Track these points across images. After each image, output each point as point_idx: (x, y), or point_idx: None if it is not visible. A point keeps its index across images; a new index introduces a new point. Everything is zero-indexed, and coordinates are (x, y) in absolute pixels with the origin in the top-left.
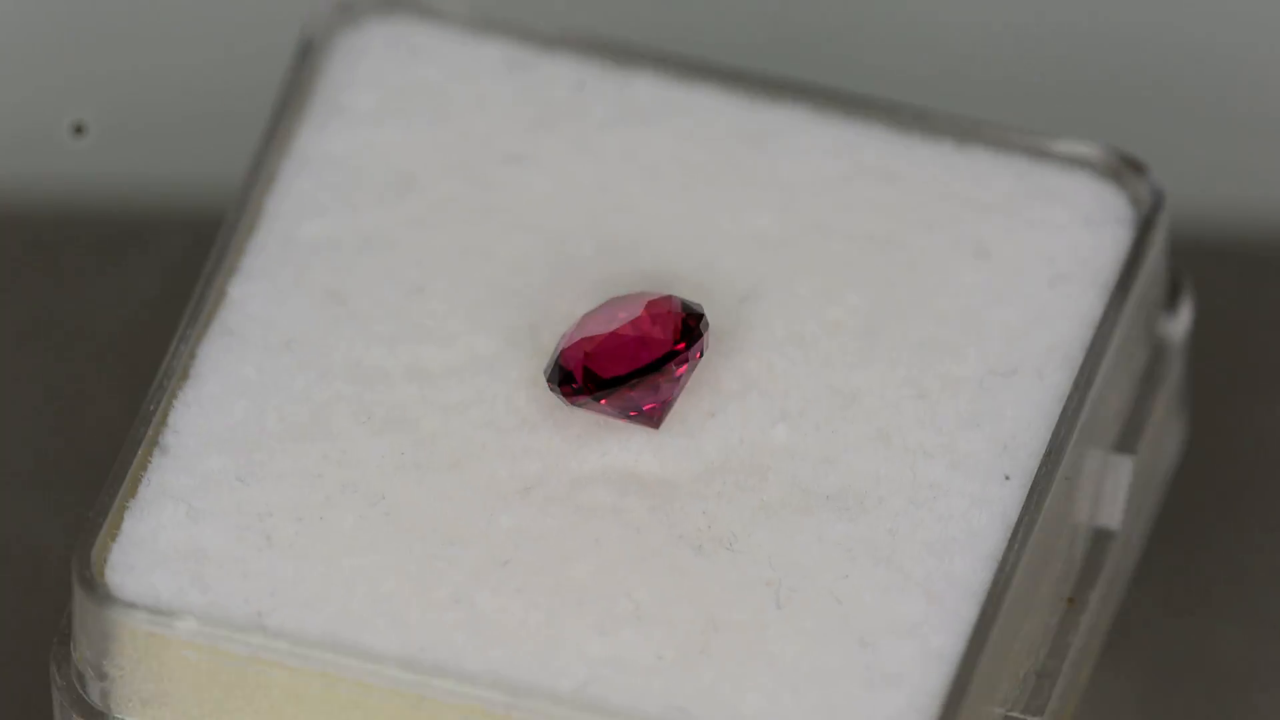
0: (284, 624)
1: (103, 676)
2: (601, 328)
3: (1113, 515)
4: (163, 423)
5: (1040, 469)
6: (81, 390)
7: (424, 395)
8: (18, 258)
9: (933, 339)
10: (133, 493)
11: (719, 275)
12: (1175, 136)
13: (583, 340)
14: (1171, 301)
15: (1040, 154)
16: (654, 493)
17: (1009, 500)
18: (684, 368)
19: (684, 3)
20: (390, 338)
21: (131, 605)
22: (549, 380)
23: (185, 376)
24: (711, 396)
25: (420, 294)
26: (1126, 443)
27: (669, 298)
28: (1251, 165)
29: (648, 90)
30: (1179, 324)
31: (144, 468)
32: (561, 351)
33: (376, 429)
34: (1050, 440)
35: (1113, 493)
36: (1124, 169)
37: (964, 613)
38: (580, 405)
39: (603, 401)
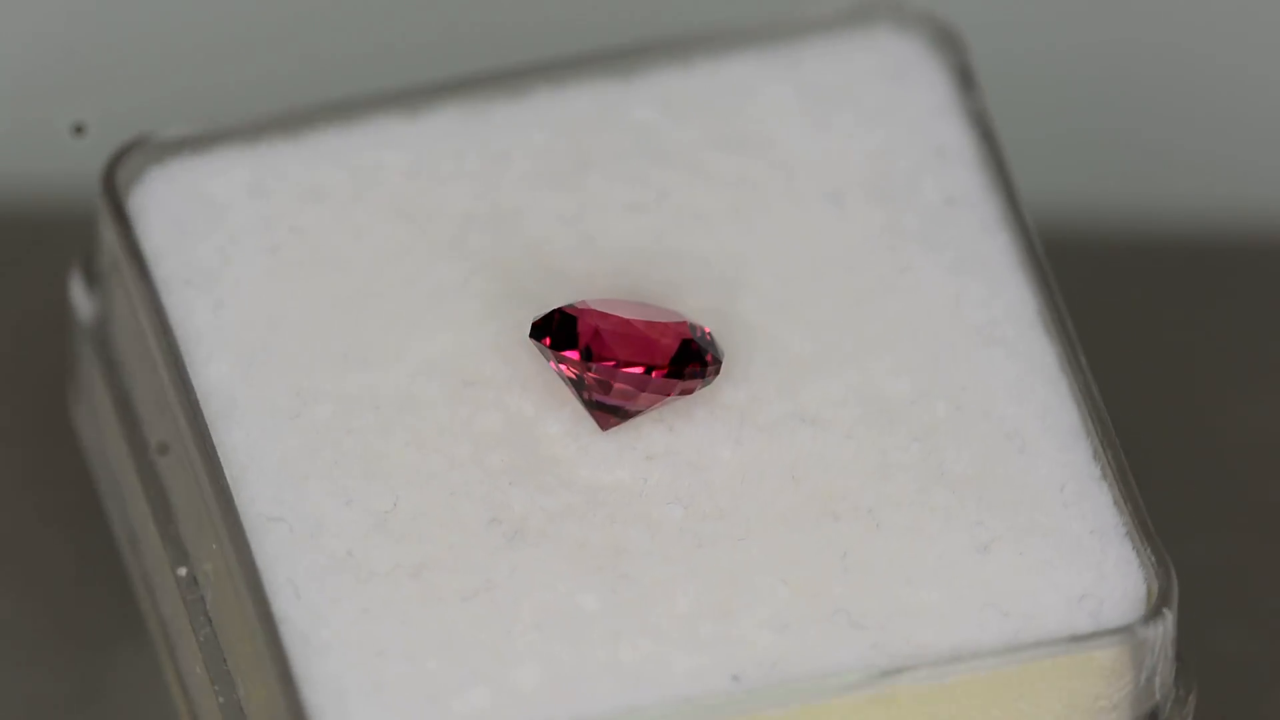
0: (174, 309)
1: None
2: (607, 311)
3: None
4: (338, 119)
5: (774, 690)
6: None
7: (505, 269)
8: (18, 257)
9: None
10: (249, 140)
11: (821, 386)
12: (1174, 138)
13: (582, 308)
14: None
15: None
16: (530, 467)
17: (729, 696)
18: (634, 383)
19: None
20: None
21: (117, 210)
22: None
23: (413, 113)
24: (670, 446)
25: (577, 216)
26: None
27: (689, 340)
28: (1251, 167)
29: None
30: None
31: (285, 132)
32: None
33: (433, 261)
34: (809, 682)
35: None
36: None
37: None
38: (558, 371)
39: (581, 375)
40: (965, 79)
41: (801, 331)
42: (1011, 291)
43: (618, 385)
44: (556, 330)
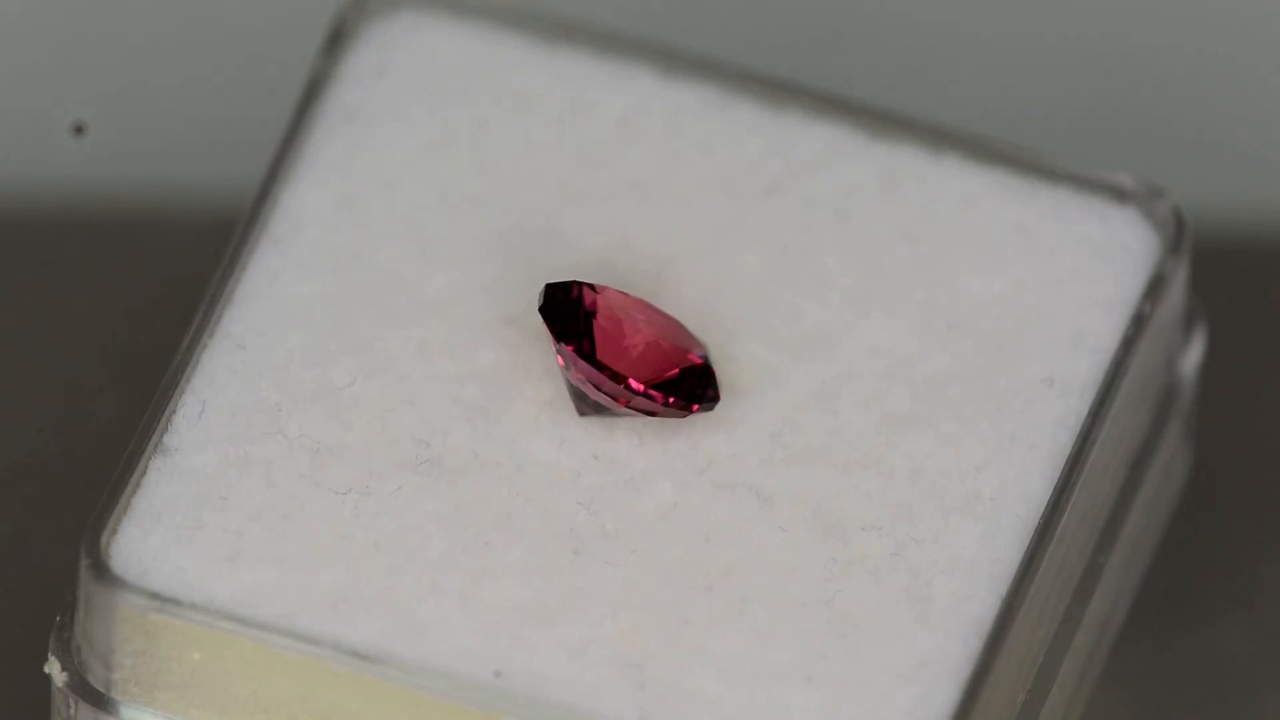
0: (318, 132)
1: None
2: (622, 309)
3: None
4: (597, 48)
5: (519, 701)
6: (81, 390)
7: (622, 243)
8: (18, 258)
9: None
10: (505, 26)
11: (796, 477)
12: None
13: (597, 292)
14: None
15: None
16: (492, 414)
17: (476, 687)
18: (594, 380)
19: None
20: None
21: (333, 32)
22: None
23: (666, 75)
24: (623, 458)
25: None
26: None
27: (674, 371)
28: (1257, 169)
29: None
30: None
31: (543, 36)
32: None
33: (566, 206)
34: (556, 710)
35: None
36: None
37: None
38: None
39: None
40: (1155, 290)
41: (824, 424)
42: (1031, 485)
43: (575, 375)
44: (562, 301)
